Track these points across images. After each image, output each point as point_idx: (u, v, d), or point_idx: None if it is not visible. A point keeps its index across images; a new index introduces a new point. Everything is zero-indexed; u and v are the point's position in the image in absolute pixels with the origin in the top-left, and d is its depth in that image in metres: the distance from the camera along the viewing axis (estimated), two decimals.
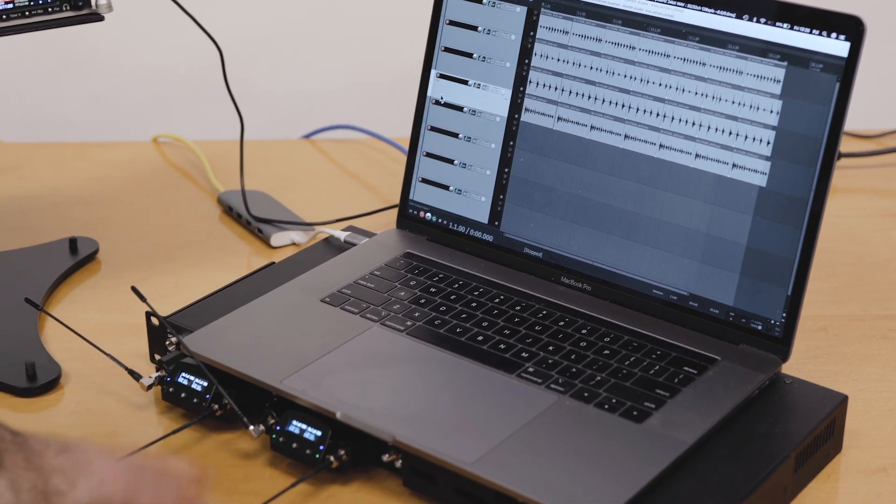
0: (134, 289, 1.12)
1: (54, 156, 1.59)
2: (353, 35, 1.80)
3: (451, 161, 1.26)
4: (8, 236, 1.40)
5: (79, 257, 1.35)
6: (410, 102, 1.31)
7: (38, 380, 1.16)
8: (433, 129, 1.27)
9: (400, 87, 1.68)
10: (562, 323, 1.13)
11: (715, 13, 1.11)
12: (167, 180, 1.54)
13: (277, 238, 1.38)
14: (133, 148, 1.61)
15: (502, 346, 1.10)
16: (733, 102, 1.11)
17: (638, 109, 1.15)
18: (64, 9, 1.16)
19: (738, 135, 1.11)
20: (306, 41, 1.79)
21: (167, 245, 1.40)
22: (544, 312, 1.15)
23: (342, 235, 1.30)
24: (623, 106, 1.16)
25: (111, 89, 1.77)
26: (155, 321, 1.15)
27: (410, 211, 1.28)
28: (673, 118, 1.13)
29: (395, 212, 1.37)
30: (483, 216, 1.24)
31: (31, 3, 1.15)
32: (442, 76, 1.26)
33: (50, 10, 1.16)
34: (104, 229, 1.41)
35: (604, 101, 1.17)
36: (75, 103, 1.77)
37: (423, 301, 1.17)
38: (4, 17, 1.14)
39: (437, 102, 1.26)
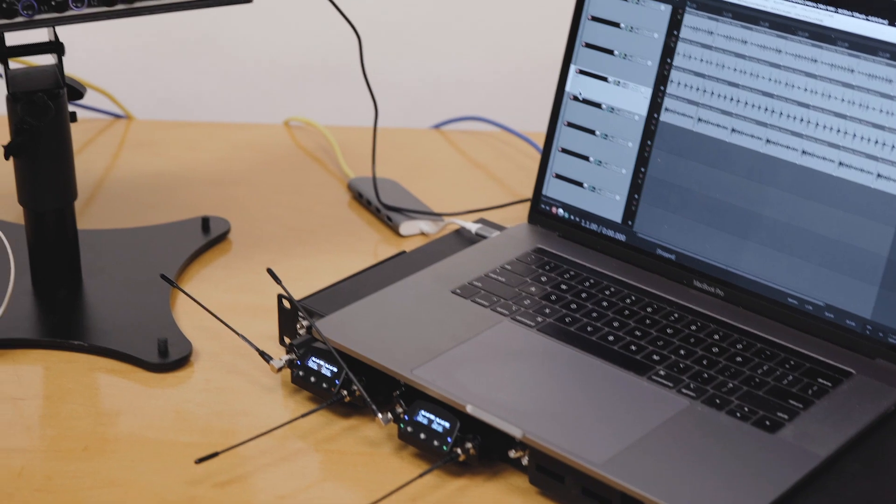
0: (269, 271, 1.13)
1: (188, 134, 1.61)
2: (490, 25, 1.79)
3: (586, 158, 1.25)
4: (142, 213, 1.42)
5: (211, 236, 1.37)
6: (542, 96, 1.31)
7: (170, 356, 1.17)
8: (570, 124, 1.26)
9: (533, 81, 1.67)
10: (693, 327, 1.12)
11: (867, 19, 1.09)
12: (298, 164, 1.55)
13: (406, 227, 1.38)
14: (265, 130, 1.63)
15: (633, 348, 1.10)
16: (881, 111, 1.09)
17: (781, 114, 1.13)
18: None
19: (884, 144, 1.09)
20: (443, 29, 1.79)
21: (297, 228, 1.41)
22: (676, 315, 1.14)
23: (473, 228, 1.30)
24: (766, 110, 1.14)
25: (246, 71, 1.79)
26: (287, 304, 1.16)
27: (543, 206, 1.28)
28: (817, 124, 1.12)
29: (524, 206, 1.36)
30: (617, 215, 1.23)
31: None
32: (581, 72, 1.25)
33: None
34: (235, 209, 1.43)
35: (746, 103, 1.15)
36: (210, 83, 1.79)
37: (553, 298, 1.16)
38: None
39: (576, 98, 1.26)
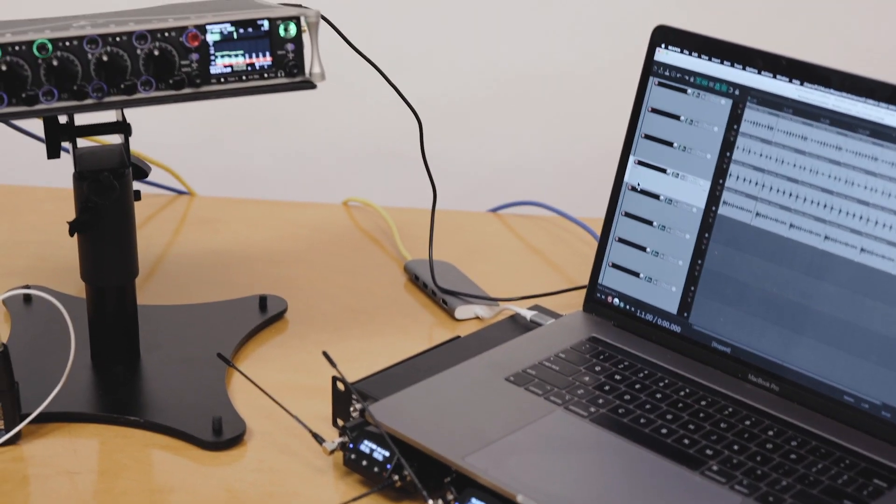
0: (325, 354, 1.14)
1: (248, 212, 1.63)
2: (549, 111, 1.81)
3: (643, 248, 1.26)
4: (201, 289, 1.44)
5: (268, 315, 1.38)
6: (600, 182, 1.31)
7: (224, 434, 1.18)
8: (628, 214, 1.27)
9: (591, 167, 1.68)
10: (748, 422, 1.12)
11: None
12: (356, 244, 1.56)
13: (462, 311, 1.39)
14: (324, 210, 1.65)
15: (686, 441, 1.09)
16: None
17: (840, 211, 1.13)
18: (279, 75, 1.19)
19: None
20: (502, 114, 1.81)
21: (353, 308, 1.42)
22: (730, 410, 1.14)
23: (528, 314, 1.31)
24: (825, 206, 1.14)
25: (307, 150, 1.81)
26: (341, 386, 1.17)
27: (598, 295, 1.28)
28: (877, 223, 1.12)
29: (579, 293, 1.37)
30: (672, 306, 1.23)
31: (249, 69, 1.18)
32: (640, 163, 1.26)
33: (266, 75, 1.19)
34: (293, 288, 1.44)
35: (805, 199, 1.15)
36: (271, 162, 1.81)
37: (607, 388, 1.16)
38: (222, 79, 1.18)
39: (634, 189, 1.26)
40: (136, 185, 1.26)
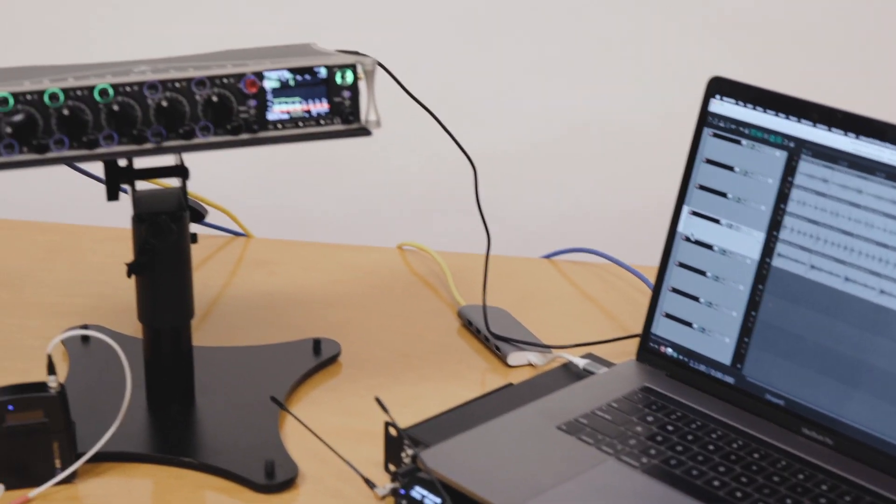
0: (377, 399, 1.14)
1: (303, 254, 1.65)
2: (603, 159, 1.82)
3: (696, 299, 1.25)
4: (255, 331, 1.45)
5: (321, 358, 1.39)
6: (654, 230, 1.31)
7: (276, 477, 1.19)
8: (681, 265, 1.27)
9: (645, 215, 1.68)
10: (801, 476, 1.11)
11: None
12: (410, 288, 1.57)
13: (515, 357, 1.39)
14: (379, 253, 1.66)
15: (738, 495, 1.09)
16: None
17: None
18: (335, 122, 1.20)
19: None
20: (556, 161, 1.82)
21: (406, 353, 1.42)
22: (783, 463, 1.13)
23: (581, 363, 1.31)
24: (880, 260, 1.14)
25: (362, 194, 1.83)
26: (393, 432, 1.18)
27: (651, 344, 1.28)
28: None
29: (633, 341, 1.37)
30: (726, 357, 1.23)
31: (305, 115, 1.19)
32: (694, 213, 1.26)
33: (322, 122, 1.20)
34: (346, 331, 1.45)
35: (860, 253, 1.15)
36: (327, 205, 1.83)
37: (659, 438, 1.16)
38: (279, 125, 1.19)
39: (688, 239, 1.26)
40: (193, 228, 1.27)
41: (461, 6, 1.91)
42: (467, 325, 1.47)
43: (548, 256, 1.65)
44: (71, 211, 1.80)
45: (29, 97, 1.12)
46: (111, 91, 1.14)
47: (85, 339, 1.39)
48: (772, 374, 1.19)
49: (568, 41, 1.89)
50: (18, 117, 1.12)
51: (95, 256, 1.62)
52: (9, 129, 1.12)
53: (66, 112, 1.13)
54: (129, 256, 1.25)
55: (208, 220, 1.64)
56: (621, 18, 1.88)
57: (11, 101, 1.12)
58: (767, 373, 1.20)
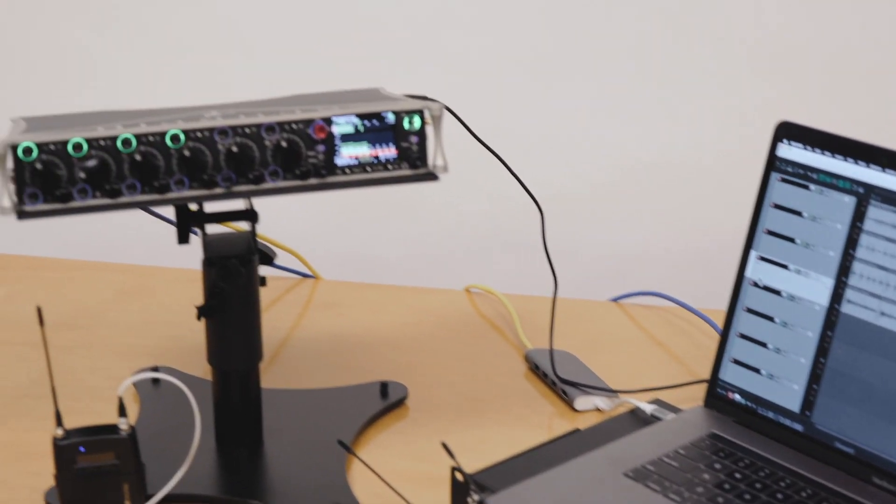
0: (444, 445, 1.15)
1: (372, 297, 1.66)
2: (671, 201, 1.81)
3: (764, 345, 1.24)
4: (324, 373, 1.46)
5: (389, 401, 1.39)
6: (722, 273, 1.31)
7: None
8: (749, 310, 1.26)
9: (713, 258, 1.67)
10: None
11: None
12: (477, 331, 1.57)
13: (581, 402, 1.39)
14: (446, 295, 1.66)
15: None
16: None
17: None
18: (402, 167, 1.21)
19: None
20: (624, 203, 1.81)
21: (473, 397, 1.42)
22: None
23: (648, 409, 1.30)
24: None
25: (431, 236, 1.83)
26: (460, 477, 1.18)
27: (719, 391, 1.27)
28: None
29: (700, 386, 1.36)
30: (794, 404, 1.22)
31: (373, 160, 1.20)
32: (762, 258, 1.25)
33: (389, 167, 1.21)
34: (414, 374, 1.45)
35: None
36: (395, 247, 1.84)
37: (727, 486, 1.15)
38: (347, 170, 1.20)
39: (755, 284, 1.26)
40: (262, 270, 1.28)
41: (523, 47, 1.91)
42: (534, 368, 1.47)
43: (615, 299, 1.65)
44: (142, 252, 1.82)
45: (102, 143, 1.14)
46: (182, 137, 1.16)
47: (155, 380, 1.41)
48: (841, 421, 1.18)
49: (633, 80, 1.90)
50: (92, 162, 1.14)
51: (166, 298, 1.64)
52: (83, 175, 1.14)
53: (138, 157, 1.15)
54: (199, 298, 1.26)
55: (277, 261, 1.65)
56: (686, 57, 1.88)
57: (86, 146, 1.14)
58: (837, 420, 1.18)
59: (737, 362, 1.27)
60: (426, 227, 1.83)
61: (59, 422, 1.15)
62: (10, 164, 1.13)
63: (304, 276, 1.71)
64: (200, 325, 1.27)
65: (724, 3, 1.87)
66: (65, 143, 1.13)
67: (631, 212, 1.82)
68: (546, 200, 1.42)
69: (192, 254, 1.29)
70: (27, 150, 1.13)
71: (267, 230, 1.48)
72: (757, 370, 1.25)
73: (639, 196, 1.83)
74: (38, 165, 1.13)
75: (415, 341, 1.54)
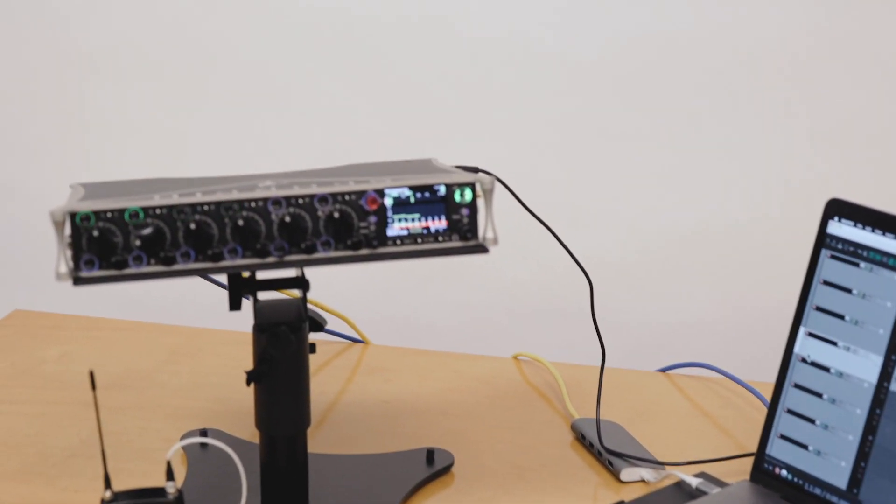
0: None
1: (420, 362, 1.66)
2: (719, 272, 1.81)
3: (812, 421, 1.24)
4: (370, 439, 1.47)
5: (434, 468, 1.39)
6: (770, 346, 1.31)
7: None
8: (797, 386, 1.26)
9: (761, 330, 1.67)
10: None
11: None
12: (524, 400, 1.58)
13: (627, 473, 1.39)
14: (494, 363, 1.67)
15: None
16: None
17: None
18: (452, 239, 1.22)
19: None
20: (672, 274, 1.82)
21: (519, 465, 1.43)
22: None
23: (694, 482, 1.30)
24: None
25: (479, 303, 1.84)
26: None
27: (765, 465, 1.27)
28: None
29: (747, 460, 1.36)
30: (842, 481, 1.21)
31: (424, 232, 1.22)
32: (811, 335, 1.25)
33: (440, 238, 1.22)
34: (460, 441, 1.46)
35: None
36: (444, 313, 1.85)
37: None
38: (398, 241, 1.21)
39: (804, 360, 1.26)
40: (311, 336, 1.30)
41: (573, 116, 1.93)
42: (580, 438, 1.47)
43: (662, 370, 1.65)
44: (192, 313, 1.84)
45: (158, 211, 1.16)
46: (237, 206, 1.17)
47: (203, 443, 1.42)
48: (889, 499, 1.17)
49: (683, 150, 1.90)
50: (147, 230, 1.16)
51: (215, 360, 1.66)
52: (138, 242, 1.16)
53: (193, 226, 1.16)
54: (247, 360, 1.27)
55: (326, 325, 1.67)
56: (737, 129, 1.89)
57: (142, 214, 1.16)
58: (884, 498, 1.18)
59: (784, 437, 1.26)
60: (474, 293, 1.84)
61: (107, 484, 1.16)
62: (67, 230, 1.15)
63: (353, 340, 1.72)
64: (248, 388, 1.28)
65: (777, 78, 1.88)
66: (122, 212, 1.15)
67: (679, 282, 1.82)
68: (594, 269, 1.42)
69: (241, 316, 1.31)
70: (85, 218, 1.15)
71: (316, 294, 1.49)
72: (804, 446, 1.25)
73: (687, 266, 1.83)
74: (95, 233, 1.15)
75: (462, 408, 1.55)
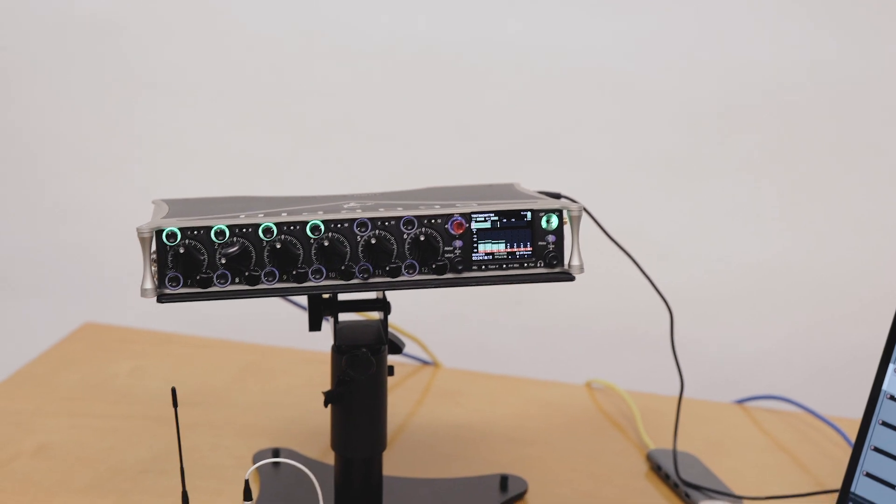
0: None
1: (491, 387, 1.65)
2: (800, 307, 1.79)
3: None
4: (441, 462, 1.45)
5: (508, 495, 1.38)
6: (850, 382, 1.29)
7: None
8: (885, 423, 1.23)
9: (844, 365, 1.65)
10: None
11: None
12: (597, 428, 1.56)
13: None
14: (567, 389, 1.65)
15: None
16: None
17: None
18: (537, 265, 1.21)
19: None
20: (753, 305, 1.80)
21: (592, 494, 1.41)
22: None
23: None
24: None
25: (554, 328, 1.83)
26: None
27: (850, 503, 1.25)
28: None
29: (827, 497, 1.33)
30: None
31: (508, 257, 1.20)
32: None
33: (525, 264, 1.21)
34: (532, 468, 1.44)
35: None
36: (516, 336, 1.84)
37: None
38: (483, 266, 1.20)
39: (893, 398, 1.23)
40: (389, 359, 1.29)
41: (657, 147, 1.91)
42: (656, 469, 1.45)
43: (739, 402, 1.63)
44: (265, 330, 1.84)
45: (244, 230, 1.16)
46: (322, 227, 1.17)
47: (275, 462, 1.41)
48: None
49: (766, 184, 1.88)
50: (233, 249, 1.15)
51: (287, 379, 1.65)
52: (223, 261, 1.15)
53: (278, 245, 1.16)
54: (320, 379, 1.27)
55: None
56: (823, 165, 1.87)
57: (228, 233, 1.15)
58: None
59: (870, 476, 1.24)
60: (549, 318, 1.83)
61: (185, 501, 1.16)
62: (153, 247, 1.15)
63: (425, 362, 1.71)
64: (319, 408, 1.28)
65: (867, 119, 1.86)
66: (208, 230, 1.15)
67: (760, 314, 1.80)
68: (674, 298, 1.41)
69: (314, 335, 1.30)
70: (171, 235, 1.14)
71: (391, 316, 1.48)
72: (891, 486, 1.22)
73: (769, 299, 1.81)
74: (181, 250, 1.14)
75: (533, 434, 1.53)
